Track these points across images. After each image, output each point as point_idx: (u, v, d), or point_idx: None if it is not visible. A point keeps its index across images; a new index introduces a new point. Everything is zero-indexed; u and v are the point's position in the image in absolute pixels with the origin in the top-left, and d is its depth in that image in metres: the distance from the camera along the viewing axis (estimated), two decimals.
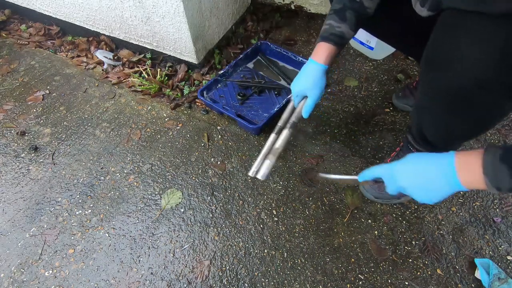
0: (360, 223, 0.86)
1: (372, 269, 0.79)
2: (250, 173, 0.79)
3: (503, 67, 0.46)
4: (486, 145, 0.45)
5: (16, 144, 1.08)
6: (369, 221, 0.86)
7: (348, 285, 0.77)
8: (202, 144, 1.05)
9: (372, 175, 0.60)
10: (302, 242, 0.84)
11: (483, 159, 0.44)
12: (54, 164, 1.02)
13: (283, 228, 0.86)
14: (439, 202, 0.55)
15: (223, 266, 0.81)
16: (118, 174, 0.99)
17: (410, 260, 0.80)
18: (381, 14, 0.73)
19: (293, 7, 1.46)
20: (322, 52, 0.74)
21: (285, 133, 0.80)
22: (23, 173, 1.01)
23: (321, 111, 1.09)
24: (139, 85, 1.21)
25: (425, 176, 0.52)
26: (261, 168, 0.77)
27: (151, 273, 0.81)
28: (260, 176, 0.77)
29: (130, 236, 0.87)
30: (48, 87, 1.25)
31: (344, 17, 0.72)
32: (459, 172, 0.48)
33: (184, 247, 0.84)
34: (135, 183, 0.97)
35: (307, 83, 0.77)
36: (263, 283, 0.78)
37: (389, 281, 0.77)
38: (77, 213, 0.92)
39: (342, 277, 0.78)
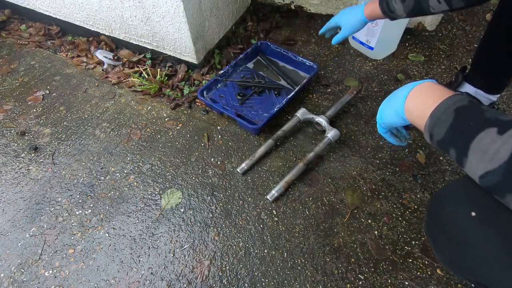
0: (360, 223, 0.86)
1: (372, 269, 0.79)
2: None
3: None
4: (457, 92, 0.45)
5: (16, 144, 1.08)
6: (369, 221, 0.86)
7: (348, 285, 0.77)
8: (202, 144, 1.05)
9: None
10: (302, 242, 0.84)
11: (442, 101, 0.42)
12: (54, 164, 1.02)
13: (283, 228, 0.86)
14: (384, 124, 0.60)
15: (223, 266, 0.81)
16: (118, 174, 0.99)
17: (410, 260, 0.80)
18: None
19: (293, 7, 1.46)
20: (371, 7, 0.81)
21: (299, 166, 0.92)
22: (23, 173, 1.01)
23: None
24: (139, 85, 1.21)
25: (391, 97, 0.57)
26: (274, 192, 0.90)
27: (151, 273, 0.81)
28: (271, 198, 0.90)
29: (130, 236, 0.87)
30: (48, 87, 1.25)
31: None
32: (409, 97, 0.49)
33: (184, 247, 0.84)
34: (135, 183, 0.97)
35: (345, 20, 0.89)
36: (263, 283, 0.78)
37: (389, 281, 0.77)
38: (77, 213, 0.92)
39: (342, 277, 0.78)
